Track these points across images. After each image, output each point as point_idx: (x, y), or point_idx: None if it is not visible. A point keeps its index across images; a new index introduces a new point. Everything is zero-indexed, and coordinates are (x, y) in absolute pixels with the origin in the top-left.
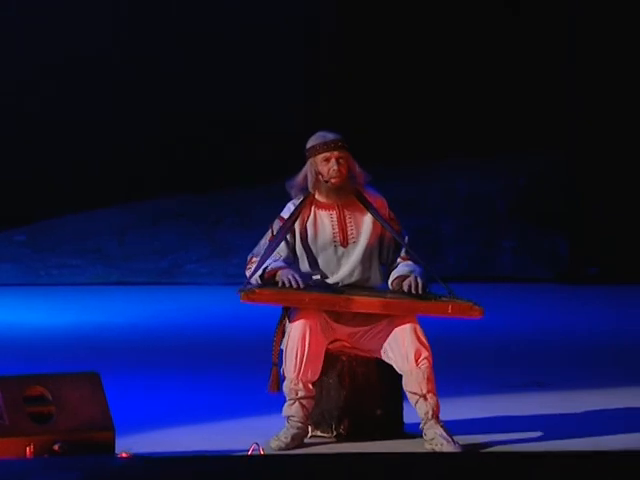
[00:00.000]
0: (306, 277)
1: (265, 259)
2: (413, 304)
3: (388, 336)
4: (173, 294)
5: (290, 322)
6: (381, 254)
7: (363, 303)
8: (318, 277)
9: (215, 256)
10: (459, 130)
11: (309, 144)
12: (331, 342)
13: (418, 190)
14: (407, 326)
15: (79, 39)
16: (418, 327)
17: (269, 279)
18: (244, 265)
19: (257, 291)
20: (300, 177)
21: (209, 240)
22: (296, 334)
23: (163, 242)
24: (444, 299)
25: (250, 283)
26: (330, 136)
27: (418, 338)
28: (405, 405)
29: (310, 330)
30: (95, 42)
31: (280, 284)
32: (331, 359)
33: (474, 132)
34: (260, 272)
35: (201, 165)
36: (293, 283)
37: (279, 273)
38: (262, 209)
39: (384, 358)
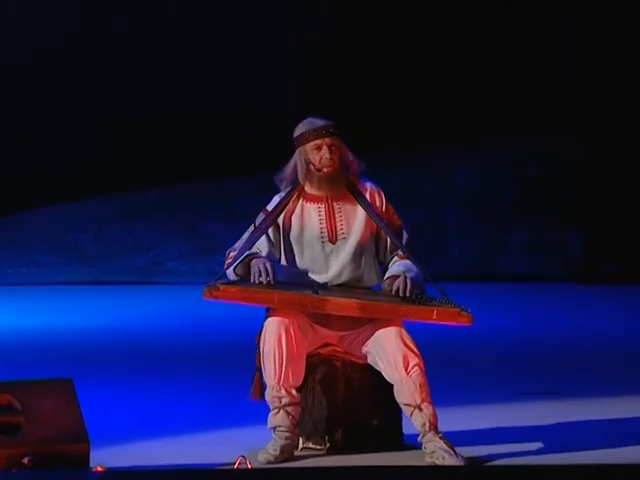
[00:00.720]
0: (289, 275)
1: (242, 253)
2: (393, 308)
3: (371, 341)
4: (153, 294)
5: (265, 325)
6: (378, 252)
7: (338, 305)
8: (303, 275)
9: (198, 253)
10: (460, 115)
11: (297, 132)
12: (322, 346)
13: (415, 180)
14: (391, 331)
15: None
16: (403, 331)
17: (244, 271)
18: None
19: (221, 288)
20: (289, 168)
21: (191, 235)
22: (271, 337)
23: (141, 238)
24: (435, 303)
25: (222, 278)
26: (320, 122)
27: (404, 343)
28: (404, 414)
29: (286, 331)
30: (82, 34)
31: (252, 273)
32: (323, 365)
33: (476, 116)
34: (234, 264)
35: (181, 154)
36: (263, 275)
37: (253, 262)
38: (248, 200)
39: (374, 366)
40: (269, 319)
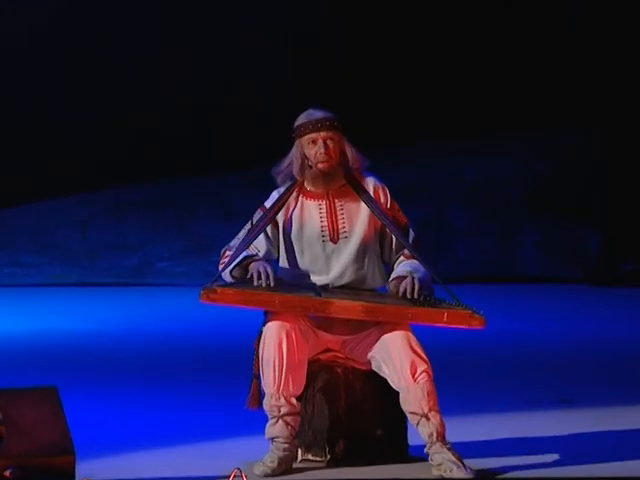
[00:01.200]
0: (288, 276)
1: (239, 253)
2: (400, 310)
3: (376, 346)
4: (143, 296)
5: (265, 329)
6: (383, 251)
7: (342, 307)
8: (303, 277)
9: (191, 252)
10: (467, 108)
11: (296, 123)
12: (323, 352)
13: (420, 175)
14: (398, 335)
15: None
16: (411, 336)
17: (241, 273)
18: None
19: (219, 290)
20: (286, 162)
21: (184, 233)
22: (271, 342)
23: (130, 236)
24: (444, 305)
25: (220, 280)
26: (318, 114)
27: (412, 349)
28: (410, 424)
29: (287, 335)
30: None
31: (251, 277)
32: (324, 371)
33: (484, 109)
34: (231, 267)
35: (172, 146)
36: (263, 277)
37: (252, 265)
38: (245, 196)
39: (378, 372)
40: (269, 323)
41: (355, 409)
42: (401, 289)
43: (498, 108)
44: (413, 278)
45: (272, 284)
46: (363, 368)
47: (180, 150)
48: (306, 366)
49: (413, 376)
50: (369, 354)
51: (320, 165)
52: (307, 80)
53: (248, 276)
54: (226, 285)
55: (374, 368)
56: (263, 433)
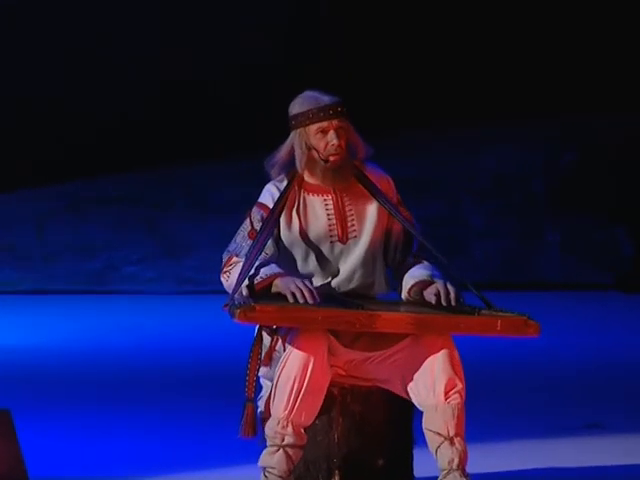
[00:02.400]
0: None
1: (251, 263)
2: (451, 321)
3: (409, 361)
4: (107, 306)
5: (290, 345)
6: (387, 253)
7: (391, 320)
8: (325, 286)
9: (163, 255)
10: (484, 90)
11: (296, 108)
12: None
13: (432, 168)
14: (440, 350)
15: None
16: (455, 352)
17: (262, 290)
18: (211, 267)
19: (258, 308)
20: (283, 153)
21: (154, 233)
22: (296, 363)
23: (92, 236)
24: (485, 313)
25: (235, 296)
26: (325, 99)
27: (453, 366)
28: (416, 453)
29: (316, 356)
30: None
31: (290, 298)
32: None
33: (506, 89)
34: (247, 281)
35: (141, 134)
36: (307, 294)
37: (277, 282)
38: (223, 190)
39: (396, 388)
40: (298, 339)
41: (353, 435)
42: (430, 296)
43: (521, 88)
44: (445, 283)
45: (317, 299)
46: (367, 385)
47: (149, 138)
48: (324, 395)
49: (446, 394)
50: (388, 368)
51: (333, 158)
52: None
53: (290, 299)
54: (262, 301)
55: (394, 385)
56: (253, 464)
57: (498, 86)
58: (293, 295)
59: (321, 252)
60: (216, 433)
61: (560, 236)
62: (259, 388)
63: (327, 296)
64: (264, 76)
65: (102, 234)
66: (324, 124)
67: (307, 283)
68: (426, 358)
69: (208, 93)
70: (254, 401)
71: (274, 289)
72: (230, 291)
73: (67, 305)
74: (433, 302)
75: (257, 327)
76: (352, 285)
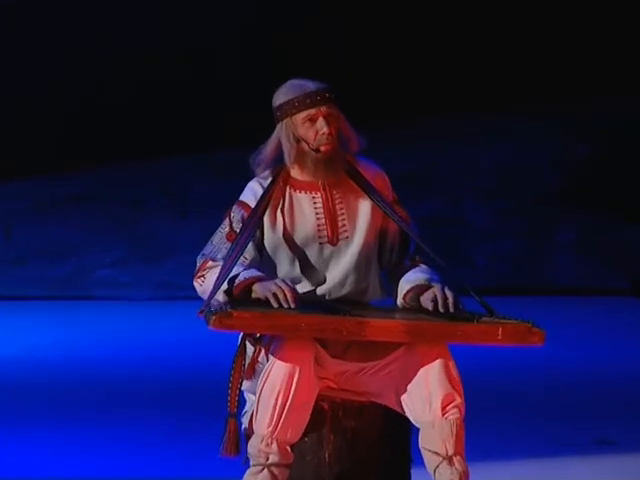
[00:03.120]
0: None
1: (230, 266)
2: (448, 328)
3: (402, 373)
4: (78, 313)
5: (273, 356)
6: (381, 255)
7: (381, 328)
8: (297, 288)
9: (139, 257)
10: (486, 76)
11: (281, 97)
12: None
13: (429, 162)
14: (435, 360)
15: None
16: (452, 362)
17: (240, 295)
18: (192, 271)
19: (235, 314)
20: (270, 147)
21: (129, 233)
22: (279, 375)
23: (62, 238)
24: (486, 320)
25: (212, 301)
26: (312, 85)
27: (450, 378)
28: (414, 473)
29: (302, 368)
30: None
31: (273, 301)
32: None
33: (508, 77)
34: (226, 285)
35: (113, 125)
36: (289, 296)
37: (256, 287)
38: (205, 186)
39: (390, 403)
40: (282, 350)
41: (345, 454)
42: (427, 302)
43: (527, 72)
44: (443, 288)
45: (293, 304)
46: (360, 400)
47: (122, 128)
48: (311, 409)
49: (443, 409)
50: (382, 381)
51: (323, 148)
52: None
53: (263, 298)
54: (240, 307)
55: (388, 399)
56: None
57: (502, 71)
58: (275, 296)
59: (309, 255)
60: (197, 451)
61: (573, 236)
62: (243, 403)
63: (313, 302)
64: (252, 65)
65: (73, 236)
66: (312, 112)
67: (288, 282)
68: (420, 370)
69: (190, 82)
70: (237, 417)
71: (253, 295)
72: (205, 297)
73: (35, 312)
74: (430, 308)
75: (240, 336)
76: (344, 291)
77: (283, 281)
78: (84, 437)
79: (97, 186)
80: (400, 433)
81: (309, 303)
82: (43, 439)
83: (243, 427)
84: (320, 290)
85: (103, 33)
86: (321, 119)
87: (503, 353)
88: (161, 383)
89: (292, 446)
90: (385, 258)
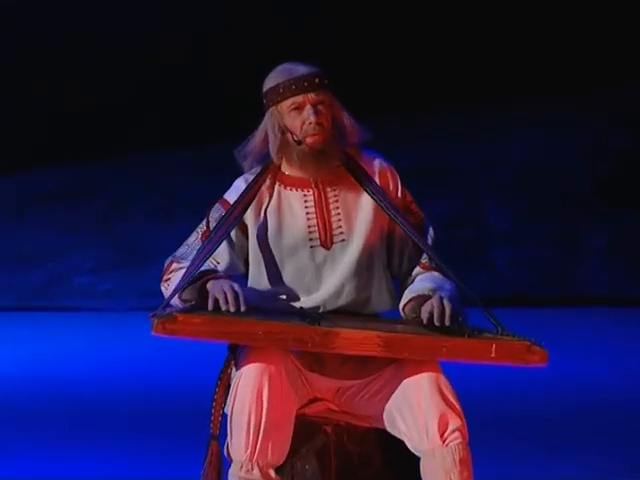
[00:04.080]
0: (262, 299)
1: (194, 268)
2: (432, 342)
3: (394, 398)
4: (52, 325)
5: (238, 371)
6: (391, 261)
7: (352, 340)
8: (284, 298)
9: (122, 262)
10: (507, 63)
11: (268, 84)
12: (308, 403)
13: (444, 157)
14: (424, 378)
15: None
16: (442, 379)
17: (195, 296)
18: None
19: (180, 318)
20: (257, 140)
21: (110, 236)
22: (247, 394)
23: (37, 241)
24: (487, 335)
25: (170, 305)
26: (301, 69)
27: (443, 397)
28: None
29: (270, 382)
30: None
31: (210, 305)
32: (308, 430)
33: (531, 63)
34: (183, 283)
35: (94, 118)
36: (230, 299)
37: (210, 284)
38: (192, 185)
39: (390, 430)
40: (246, 365)
41: None
42: (424, 313)
43: (553, 58)
44: (441, 298)
45: (242, 308)
46: (364, 424)
47: (103, 122)
48: (292, 425)
49: (442, 435)
50: (379, 403)
51: (310, 139)
52: None
53: (211, 305)
54: (189, 312)
55: (387, 426)
56: None
57: (523, 56)
58: (216, 301)
59: (299, 261)
60: (179, 477)
61: (605, 240)
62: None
63: (285, 310)
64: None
65: (48, 238)
66: (298, 99)
67: (236, 287)
68: (410, 391)
69: (178, 73)
70: (220, 439)
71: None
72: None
73: (5, 324)
74: (424, 321)
75: (227, 348)
76: (341, 301)
77: (230, 285)
78: (54, 463)
79: (75, 184)
80: (407, 460)
81: (270, 311)
82: (7, 465)
83: (226, 449)
84: (312, 300)
85: (85, 30)
86: (308, 107)
87: (528, 372)
88: (143, 402)
89: (278, 468)
90: (395, 265)
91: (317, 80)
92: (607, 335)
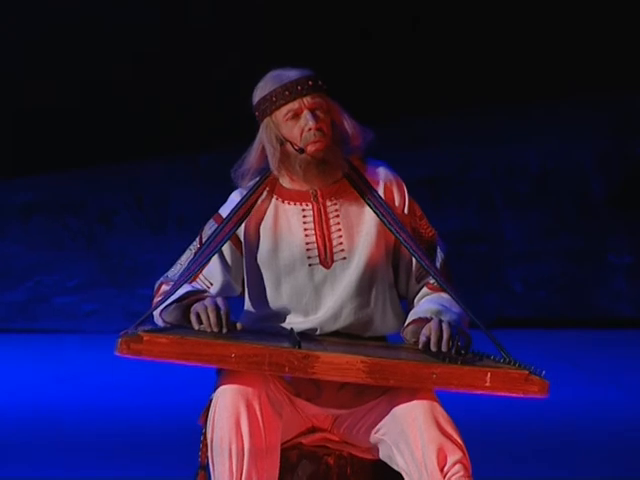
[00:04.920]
0: (258, 320)
1: (179, 285)
2: (420, 369)
3: (390, 425)
4: (33, 348)
5: (215, 397)
6: (398, 280)
7: (333, 365)
8: (279, 320)
9: (107, 280)
10: (520, 62)
11: (259, 93)
12: (306, 432)
13: (453, 164)
14: (418, 407)
15: None
16: (438, 408)
17: (180, 318)
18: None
19: (146, 338)
20: (254, 155)
21: (95, 252)
22: (224, 417)
23: (15, 258)
24: (487, 362)
25: (148, 324)
26: (292, 74)
27: (440, 428)
28: None
29: (248, 408)
30: None
31: (192, 318)
32: (307, 462)
33: (548, 63)
34: (163, 306)
35: (76, 124)
36: (212, 318)
37: (195, 305)
38: (185, 196)
39: (389, 463)
40: (221, 389)
41: None
42: (422, 337)
43: (572, 57)
44: (441, 321)
45: (224, 330)
46: (368, 457)
47: (87, 128)
48: (278, 453)
49: (442, 470)
50: (373, 436)
51: (312, 147)
52: None
53: (194, 322)
54: (157, 331)
55: (382, 457)
56: None
57: (538, 55)
58: (198, 317)
59: (297, 280)
60: None
61: (627, 257)
62: None
63: (271, 332)
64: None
65: (26, 254)
66: (294, 105)
67: (219, 302)
68: (405, 422)
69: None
70: (208, 469)
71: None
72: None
73: None
74: (420, 346)
75: (216, 373)
76: (341, 323)
77: (213, 301)
78: None
79: (56, 195)
80: None
81: (257, 332)
82: None
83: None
84: (310, 322)
85: (70, 31)
86: (306, 112)
87: (550, 402)
88: (130, 430)
89: None
90: (402, 284)
91: (311, 82)
92: (633, 360)
